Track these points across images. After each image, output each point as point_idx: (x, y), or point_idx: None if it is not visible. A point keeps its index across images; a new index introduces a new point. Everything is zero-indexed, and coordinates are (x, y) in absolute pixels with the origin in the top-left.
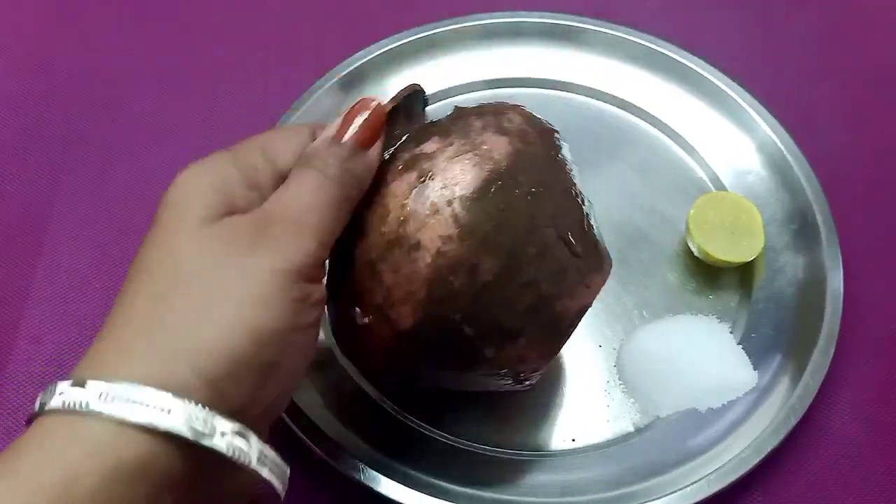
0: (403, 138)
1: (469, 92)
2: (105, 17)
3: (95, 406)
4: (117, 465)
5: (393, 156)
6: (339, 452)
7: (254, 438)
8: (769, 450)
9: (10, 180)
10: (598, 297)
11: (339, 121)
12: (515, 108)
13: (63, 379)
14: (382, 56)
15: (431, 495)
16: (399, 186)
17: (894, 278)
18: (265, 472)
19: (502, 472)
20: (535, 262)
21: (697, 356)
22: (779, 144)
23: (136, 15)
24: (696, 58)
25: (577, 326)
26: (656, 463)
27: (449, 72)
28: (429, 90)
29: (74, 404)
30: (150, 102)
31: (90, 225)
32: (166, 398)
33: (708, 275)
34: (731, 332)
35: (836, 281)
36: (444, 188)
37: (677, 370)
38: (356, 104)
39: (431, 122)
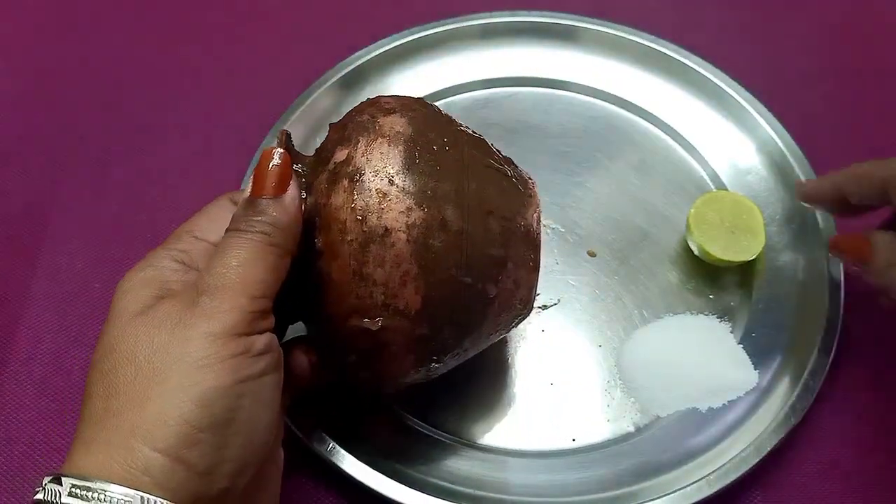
0: (304, 172)
1: (469, 91)
2: (105, 18)
3: (66, 500)
4: None
5: (311, 187)
6: (339, 451)
7: None
8: (769, 450)
9: (11, 180)
10: (598, 297)
11: (251, 182)
12: (379, 97)
13: (49, 474)
14: (382, 56)
15: (431, 495)
16: (338, 198)
17: None
18: None
19: (502, 471)
20: (482, 194)
21: (697, 356)
22: (779, 144)
23: (137, 15)
24: (696, 57)
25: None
26: (656, 463)
27: (449, 72)
28: (429, 90)
29: (51, 497)
30: (150, 102)
31: (90, 225)
32: (125, 491)
33: (708, 275)
34: (731, 332)
35: (835, 281)
36: (377, 174)
37: (677, 370)
38: (261, 160)
39: (319, 147)
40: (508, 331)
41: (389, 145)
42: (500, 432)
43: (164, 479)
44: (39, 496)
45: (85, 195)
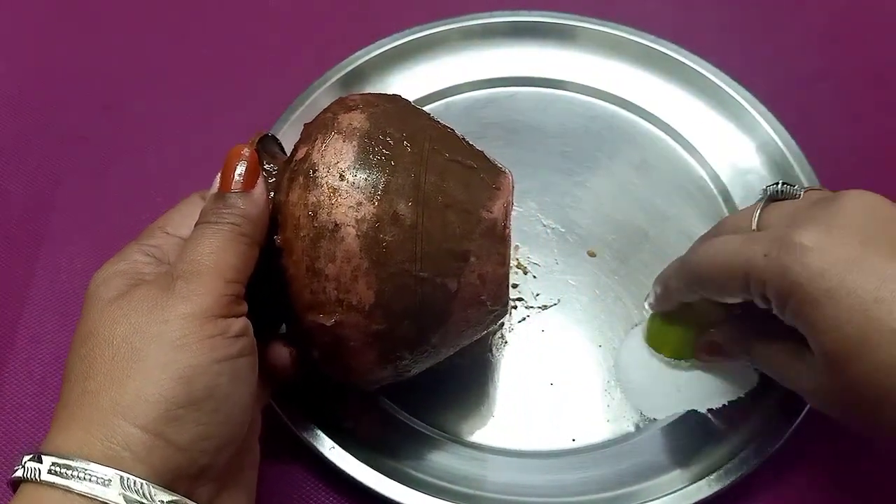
0: (275, 172)
1: (469, 91)
2: (105, 18)
3: (46, 478)
4: None
5: (277, 186)
6: (338, 451)
7: None
8: (769, 450)
9: (11, 180)
10: (598, 297)
11: (218, 176)
12: (348, 95)
13: (28, 453)
14: (382, 56)
15: (431, 495)
16: (294, 195)
17: None
18: None
19: (502, 471)
20: (441, 185)
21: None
22: (779, 144)
23: (136, 15)
24: (696, 57)
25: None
26: (656, 463)
27: (449, 71)
28: (429, 90)
29: (31, 475)
30: (150, 102)
31: (90, 225)
32: (105, 470)
33: None
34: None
35: None
36: (329, 170)
37: (674, 373)
38: (228, 157)
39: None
40: (486, 329)
41: (344, 141)
42: (500, 432)
43: (145, 455)
44: (18, 473)
45: (85, 195)
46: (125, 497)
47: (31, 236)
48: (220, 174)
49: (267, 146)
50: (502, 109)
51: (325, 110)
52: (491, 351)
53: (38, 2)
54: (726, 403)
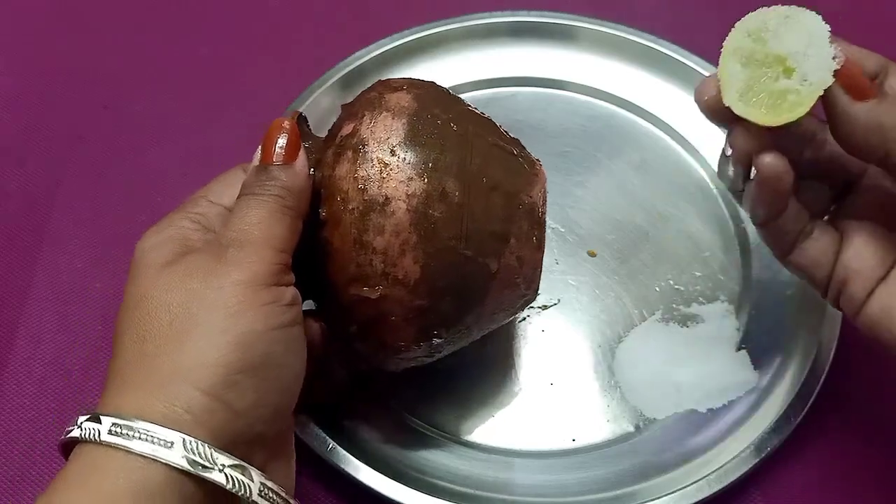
0: (313, 150)
1: (469, 91)
2: (105, 18)
3: (106, 438)
4: (142, 486)
5: (319, 162)
6: (338, 451)
7: (255, 473)
8: (769, 450)
9: (10, 180)
10: (598, 297)
11: (259, 149)
12: (389, 78)
13: (83, 413)
14: (382, 56)
15: (431, 495)
16: (342, 169)
17: None
18: None
19: (502, 471)
20: (486, 167)
21: (696, 357)
22: None
23: (136, 15)
24: (696, 57)
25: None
26: (656, 463)
27: (449, 71)
28: None
29: (89, 435)
30: (150, 102)
31: (90, 225)
32: (167, 432)
33: (708, 274)
34: (730, 332)
35: None
36: (380, 144)
37: (675, 372)
38: (269, 130)
39: (331, 128)
40: (513, 314)
41: (393, 118)
42: (500, 432)
43: (206, 418)
44: (75, 434)
45: (85, 195)
46: (188, 459)
47: (31, 236)
48: (260, 147)
49: (301, 126)
50: (502, 109)
51: (369, 90)
52: (491, 351)
53: (38, 1)
54: (726, 403)
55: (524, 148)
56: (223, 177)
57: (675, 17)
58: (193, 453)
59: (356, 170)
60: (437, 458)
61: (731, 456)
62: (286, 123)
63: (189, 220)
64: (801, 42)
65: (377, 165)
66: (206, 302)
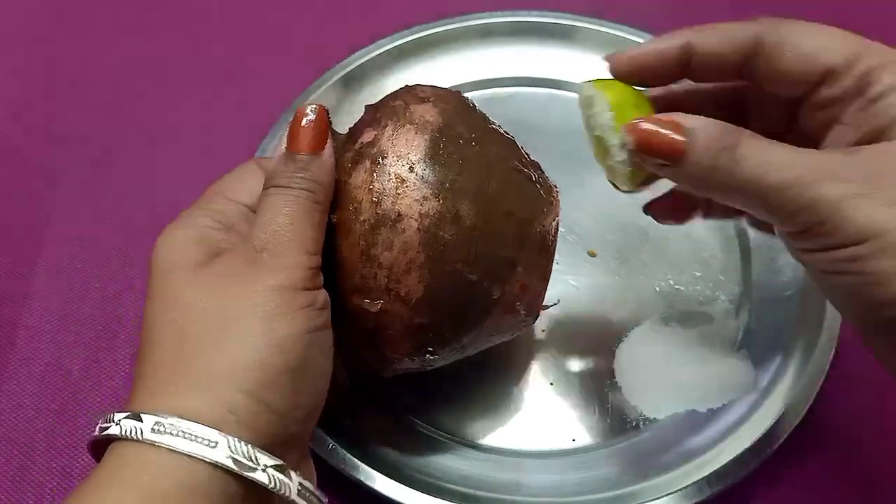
0: (336, 145)
1: (469, 91)
2: (105, 17)
3: (149, 437)
4: (188, 485)
5: (336, 164)
6: (338, 451)
7: (293, 474)
8: (769, 450)
9: (11, 180)
10: (598, 297)
11: (286, 136)
12: (417, 85)
13: (120, 411)
14: (382, 56)
15: (431, 495)
16: (358, 177)
17: None
18: None
19: (502, 471)
20: (502, 194)
21: (696, 357)
22: None
23: (136, 15)
24: None
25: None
26: (656, 463)
27: (449, 71)
28: None
29: (130, 433)
30: (150, 102)
31: (90, 225)
32: (211, 432)
33: (708, 274)
34: (730, 333)
35: None
36: (399, 159)
37: (675, 372)
38: (296, 116)
39: (352, 126)
40: (512, 336)
41: (416, 133)
42: (500, 432)
43: (249, 419)
44: (113, 431)
45: (85, 195)
46: (233, 459)
47: (31, 236)
48: (287, 133)
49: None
50: (502, 109)
51: (394, 97)
52: (491, 351)
53: (38, 1)
54: (726, 403)
55: (543, 172)
56: (238, 172)
57: (676, 17)
58: (237, 453)
59: (372, 181)
60: (436, 458)
61: (731, 456)
62: (311, 109)
63: (210, 218)
64: (605, 119)
65: (394, 181)
66: (245, 306)
